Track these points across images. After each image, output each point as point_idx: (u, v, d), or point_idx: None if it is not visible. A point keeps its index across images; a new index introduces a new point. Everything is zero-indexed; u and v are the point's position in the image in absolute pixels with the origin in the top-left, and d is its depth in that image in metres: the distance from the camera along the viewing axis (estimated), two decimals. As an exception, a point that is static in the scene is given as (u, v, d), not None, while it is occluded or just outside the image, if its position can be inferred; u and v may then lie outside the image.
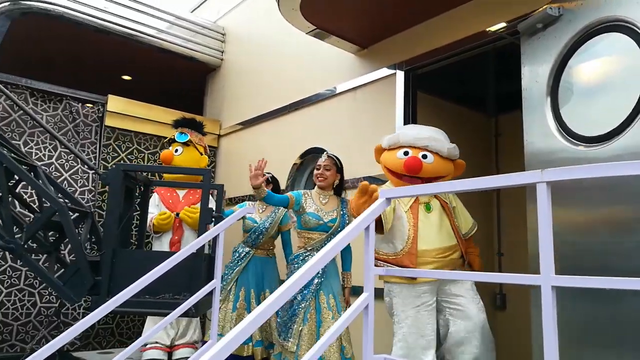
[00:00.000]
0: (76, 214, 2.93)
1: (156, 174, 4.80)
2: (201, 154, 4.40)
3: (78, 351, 4.20)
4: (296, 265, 3.05)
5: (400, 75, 3.59)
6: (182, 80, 6.25)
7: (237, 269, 3.72)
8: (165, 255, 2.33)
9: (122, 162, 4.77)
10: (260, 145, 4.77)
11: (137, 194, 3.33)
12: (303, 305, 2.92)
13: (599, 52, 1.98)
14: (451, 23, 3.28)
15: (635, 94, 1.79)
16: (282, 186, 4.48)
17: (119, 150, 4.82)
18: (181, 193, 4.14)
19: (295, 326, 2.88)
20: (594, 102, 1.98)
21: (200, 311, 2.67)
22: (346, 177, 3.88)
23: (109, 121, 4.78)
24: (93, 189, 4.57)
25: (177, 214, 3.94)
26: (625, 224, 1.80)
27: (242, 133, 5.30)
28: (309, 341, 2.85)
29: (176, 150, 4.25)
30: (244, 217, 3.77)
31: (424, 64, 3.49)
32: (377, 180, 3.57)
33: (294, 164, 4.44)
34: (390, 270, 1.82)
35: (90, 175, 4.56)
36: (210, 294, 2.48)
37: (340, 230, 3.01)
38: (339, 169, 3.25)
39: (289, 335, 2.88)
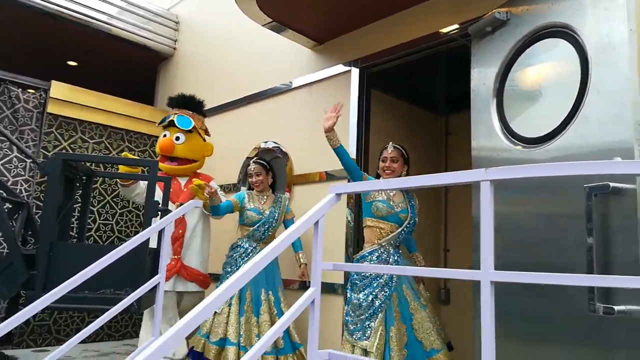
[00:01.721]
0: (10, 205, 2.76)
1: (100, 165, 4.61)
2: (204, 139, 3.94)
3: (10, 349, 3.98)
4: (370, 264, 2.75)
5: (355, 72, 3.61)
6: (132, 68, 6.03)
7: (243, 265, 3.42)
8: (107, 249, 2.23)
9: (64, 151, 4.54)
10: (214, 137, 4.66)
11: (78, 185, 3.18)
12: (385, 304, 2.66)
13: (542, 56, 2.05)
14: (406, 23, 3.33)
15: (572, 98, 1.87)
16: (234, 180, 4.42)
17: (61, 139, 4.59)
18: (182, 181, 3.79)
19: (375, 325, 2.61)
20: (535, 105, 2.05)
21: (144, 307, 2.58)
22: (300, 171, 3.89)
23: (51, 108, 4.54)
24: (30, 178, 4.33)
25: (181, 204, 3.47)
26: (561, 222, 1.88)
27: (194, 125, 5.17)
28: (399, 342, 2.60)
29: (177, 138, 3.73)
30: (245, 209, 3.43)
31: (378, 62, 3.52)
32: (332, 177, 3.59)
33: (248, 157, 4.38)
34: (337, 265, 1.82)
35: (28, 164, 4.32)
36: (154, 289, 2.40)
37: (413, 223, 2.86)
38: (406, 159, 2.95)
39: (365, 335, 2.61)
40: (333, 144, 2.71)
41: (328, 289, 3.41)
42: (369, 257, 2.78)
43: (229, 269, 3.34)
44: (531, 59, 2.09)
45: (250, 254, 3.34)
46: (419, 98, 4.59)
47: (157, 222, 2.52)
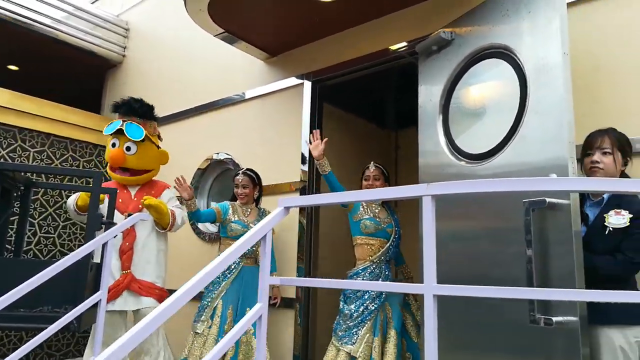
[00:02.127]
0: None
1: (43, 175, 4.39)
2: (158, 146, 3.55)
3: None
4: (362, 280, 2.84)
5: (307, 85, 3.64)
6: (78, 74, 5.81)
7: (225, 282, 3.17)
8: (45, 264, 2.12)
9: (2, 160, 4.29)
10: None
11: (16, 196, 3.01)
12: (374, 314, 2.75)
13: (484, 76, 2.15)
14: (358, 38, 3.39)
15: (512, 117, 1.96)
16: (185, 192, 4.31)
17: (-2, 147, 4.34)
18: (133, 191, 3.43)
19: (362, 332, 2.72)
20: (478, 123, 2.14)
21: (84, 325, 2.46)
22: (251, 184, 3.84)
23: (-12, 114, 4.30)
24: (-36, 189, 4.06)
25: (130, 214, 3.09)
26: (503, 236, 1.95)
27: (143, 135, 5.03)
28: (378, 356, 2.71)
29: (128, 148, 3.32)
30: (229, 221, 3.28)
31: (330, 76, 3.56)
32: (283, 190, 3.58)
33: (199, 168, 4.30)
34: (284, 280, 1.80)
35: (-38, 174, 4.05)
36: (95, 306, 2.30)
37: (398, 236, 3.01)
38: (387, 177, 3.10)
39: (352, 340, 2.71)
40: (323, 170, 2.85)
41: (282, 303, 3.38)
42: (362, 273, 2.89)
43: (211, 287, 3.19)
44: (474, 78, 2.18)
45: (234, 270, 3.20)
46: (370, 113, 4.67)
47: (100, 235, 2.42)
